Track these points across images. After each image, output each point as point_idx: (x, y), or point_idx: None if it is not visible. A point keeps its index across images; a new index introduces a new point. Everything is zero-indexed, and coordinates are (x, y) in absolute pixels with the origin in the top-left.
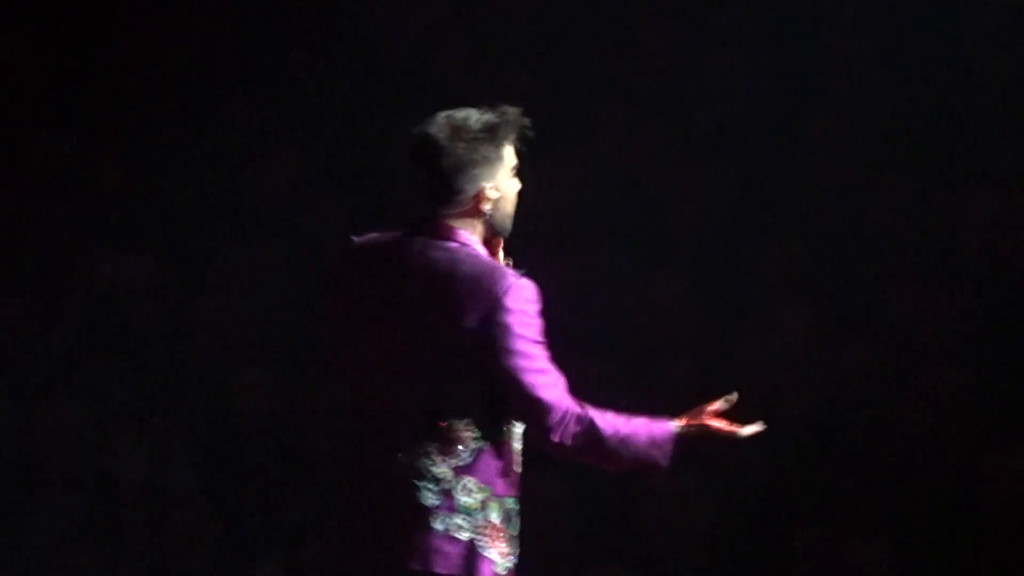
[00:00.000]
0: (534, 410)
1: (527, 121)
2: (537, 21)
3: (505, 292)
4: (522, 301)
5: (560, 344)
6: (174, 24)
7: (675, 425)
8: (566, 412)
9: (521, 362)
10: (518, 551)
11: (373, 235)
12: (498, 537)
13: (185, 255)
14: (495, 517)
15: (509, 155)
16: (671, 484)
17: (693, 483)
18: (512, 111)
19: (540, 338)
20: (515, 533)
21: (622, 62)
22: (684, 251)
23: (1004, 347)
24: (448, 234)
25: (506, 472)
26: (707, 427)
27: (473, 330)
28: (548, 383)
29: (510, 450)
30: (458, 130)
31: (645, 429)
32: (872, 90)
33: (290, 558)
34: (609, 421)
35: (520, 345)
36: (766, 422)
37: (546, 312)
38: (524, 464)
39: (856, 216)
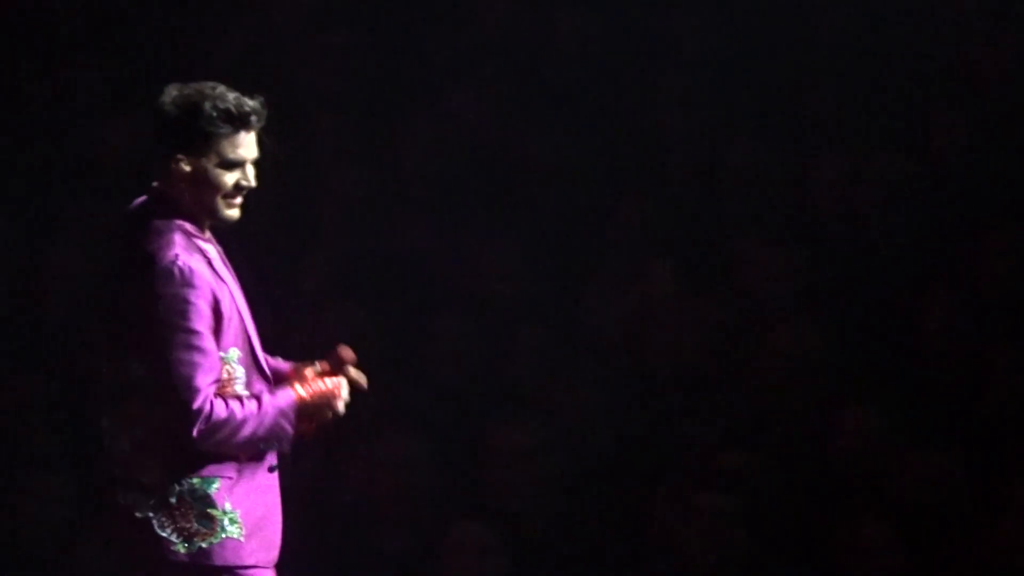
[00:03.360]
0: (176, 395)
1: (251, 115)
2: None
3: (154, 277)
4: (171, 286)
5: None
6: None
7: (295, 392)
8: (206, 399)
9: (164, 346)
10: (231, 531)
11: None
12: (178, 517)
13: (32, 214)
14: (172, 498)
15: (227, 144)
16: (520, 438)
17: (543, 436)
18: (243, 103)
19: (188, 322)
20: (213, 512)
21: (468, 21)
22: (538, 209)
23: (852, 303)
24: (154, 206)
25: (194, 450)
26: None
27: (129, 312)
28: (190, 369)
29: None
30: (176, 98)
31: (270, 405)
32: (721, 48)
33: None
34: (239, 405)
35: (164, 329)
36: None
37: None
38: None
39: (708, 173)
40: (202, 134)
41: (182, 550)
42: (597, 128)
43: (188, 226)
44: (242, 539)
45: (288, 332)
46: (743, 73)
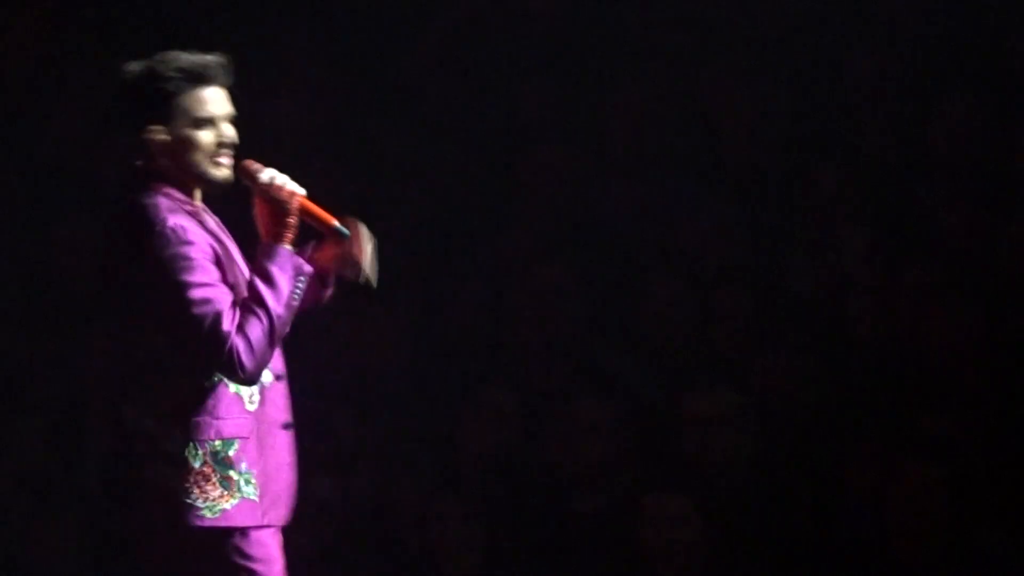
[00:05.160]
0: (207, 350)
1: (209, 68)
2: None
3: (149, 244)
4: (168, 247)
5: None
6: None
7: (284, 244)
8: (232, 344)
9: (179, 307)
10: (247, 492)
11: None
12: (201, 481)
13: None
14: (196, 462)
15: (194, 102)
16: (718, 405)
17: (740, 404)
18: (199, 58)
19: (193, 276)
20: (232, 474)
21: None
22: (739, 173)
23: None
24: (136, 182)
25: (219, 414)
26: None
27: (133, 286)
28: (211, 322)
29: (225, 392)
30: (133, 70)
31: (279, 276)
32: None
33: None
34: (253, 313)
35: (174, 291)
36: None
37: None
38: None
39: (908, 141)
40: (164, 96)
41: (208, 515)
42: (792, 92)
43: (175, 193)
44: (256, 499)
45: (494, 295)
46: (943, 34)
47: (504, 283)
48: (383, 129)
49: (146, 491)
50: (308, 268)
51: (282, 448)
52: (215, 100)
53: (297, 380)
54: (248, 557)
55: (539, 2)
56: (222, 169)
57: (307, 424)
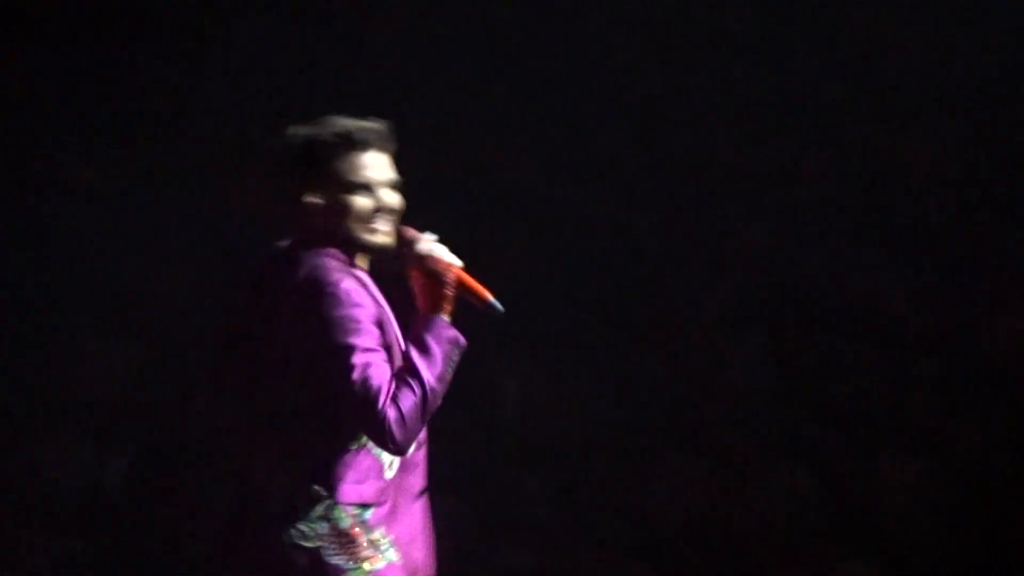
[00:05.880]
0: (361, 414)
1: (367, 133)
2: None
3: (316, 302)
4: (337, 308)
5: None
6: None
7: (441, 316)
8: (386, 416)
9: (337, 369)
10: (390, 556)
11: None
12: (348, 544)
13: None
14: (344, 524)
15: (348, 167)
16: (913, 471)
17: (935, 470)
18: (356, 124)
19: (357, 340)
20: (379, 537)
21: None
22: (931, 238)
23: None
24: (299, 244)
25: (360, 479)
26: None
27: (289, 342)
28: (368, 388)
29: (367, 457)
30: (290, 136)
31: (435, 348)
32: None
33: None
34: (407, 384)
35: (335, 352)
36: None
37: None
38: (406, 468)
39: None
40: (320, 162)
41: None
42: (982, 155)
43: (340, 255)
44: (399, 563)
45: (687, 358)
46: None
47: (696, 351)
48: (578, 195)
49: (280, 551)
50: (463, 341)
51: (416, 515)
52: (373, 166)
53: (485, 449)
54: None
55: (727, 71)
56: (377, 236)
57: (499, 493)
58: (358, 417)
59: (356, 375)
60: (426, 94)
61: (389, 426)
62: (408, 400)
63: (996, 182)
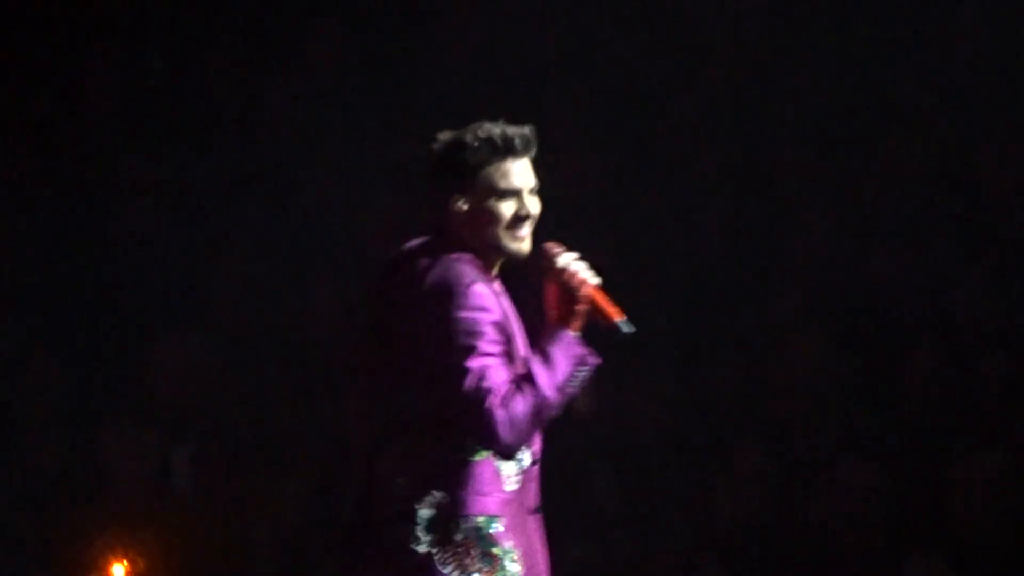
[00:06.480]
0: (473, 420)
1: (515, 140)
2: None
3: (447, 300)
4: (464, 308)
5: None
6: None
7: (569, 331)
8: (494, 398)
9: (454, 368)
10: (511, 570)
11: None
12: (461, 554)
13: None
14: (458, 535)
15: (497, 174)
16: (984, 469)
17: (1006, 467)
18: (505, 130)
19: (480, 342)
20: (495, 551)
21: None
22: (1003, 237)
23: None
24: (438, 244)
25: (482, 490)
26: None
27: (413, 341)
28: (478, 374)
29: (488, 468)
30: (441, 140)
31: (557, 359)
32: None
33: None
34: (521, 390)
35: (455, 351)
36: None
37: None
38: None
39: None
40: (469, 167)
41: None
42: None
43: (477, 260)
44: None
45: (758, 356)
46: None
47: (765, 349)
48: (651, 196)
49: (392, 552)
50: (593, 359)
51: (533, 531)
52: (518, 173)
53: (555, 443)
54: None
55: (798, 76)
56: (519, 242)
57: (565, 488)
58: (468, 415)
59: (473, 374)
60: (494, 104)
61: (496, 426)
62: (520, 405)
63: None
